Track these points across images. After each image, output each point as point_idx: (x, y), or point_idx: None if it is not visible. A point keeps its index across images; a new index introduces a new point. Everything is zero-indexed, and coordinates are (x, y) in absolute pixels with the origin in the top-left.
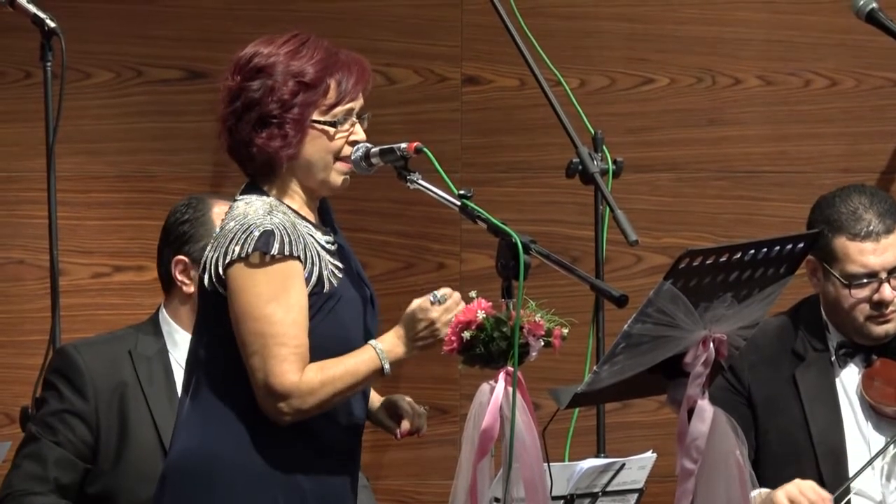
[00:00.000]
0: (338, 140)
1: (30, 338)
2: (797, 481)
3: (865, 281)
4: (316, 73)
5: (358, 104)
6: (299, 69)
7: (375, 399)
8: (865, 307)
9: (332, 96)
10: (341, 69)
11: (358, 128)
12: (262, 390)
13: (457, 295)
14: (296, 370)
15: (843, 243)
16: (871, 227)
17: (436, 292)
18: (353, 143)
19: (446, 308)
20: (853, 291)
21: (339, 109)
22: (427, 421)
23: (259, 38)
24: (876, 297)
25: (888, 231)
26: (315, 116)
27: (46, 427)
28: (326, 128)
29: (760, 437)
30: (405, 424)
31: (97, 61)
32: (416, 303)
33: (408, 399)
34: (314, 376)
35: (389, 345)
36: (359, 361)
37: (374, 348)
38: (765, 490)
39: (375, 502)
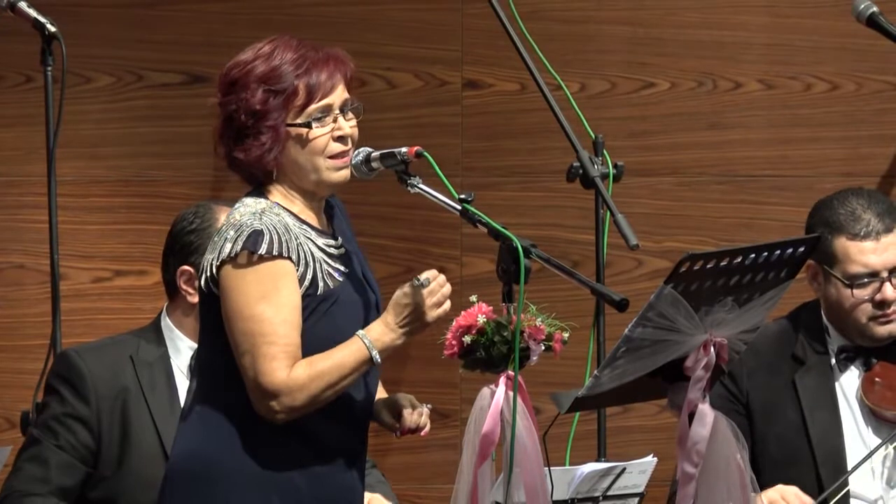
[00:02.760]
0: (319, 139)
1: (30, 342)
2: (780, 487)
3: (867, 280)
4: (283, 77)
5: (337, 98)
6: (266, 75)
7: (377, 398)
8: (868, 307)
9: (301, 97)
10: (310, 68)
11: (342, 122)
12: (253, 390)
13: (441, 277)
14: (284, 367)
15: (843, 244)
16: (871, 227)
17: (419, 276)
18: (340, 139)
19: (430, 291)
20: (855, 292)
21: (312, 108)
22: (428, 425)
23: (248, 46)
24: (878, 296)
25: (888, 230)
26: (289, 120)
27: (48, 430)
28: (301, 130)
29: (758, 444)
30: (405, 422)
31: (98, 65)
32: (401, 289)
33: (409, 397)
34: (302, 372)
35: (377, 333)
36: (346, 353)
37: (362, 339)
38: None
39: (393, 495)
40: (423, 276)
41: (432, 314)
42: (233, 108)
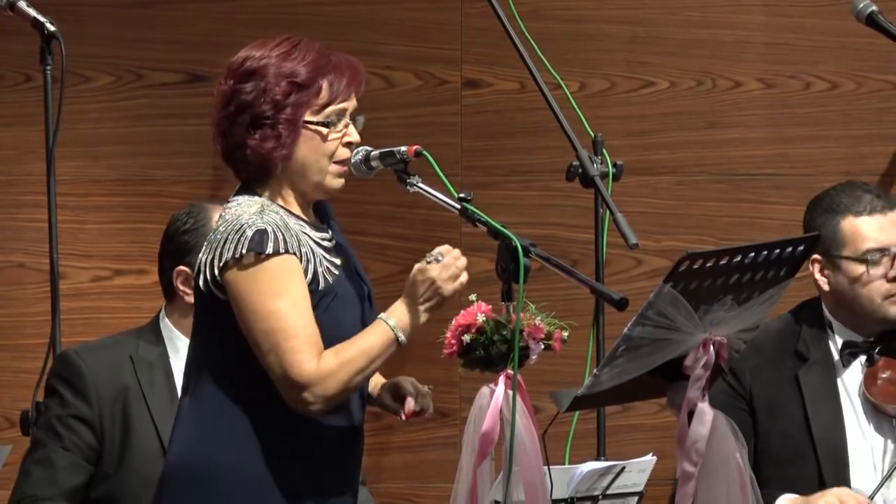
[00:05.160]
0: (331, 141)
1: (30, 341)
2: (834, 490)
3: (879, 256)
4: (308, 74)
5: (351, 105)
6: (291, 70)
7: (378, 383)
8: (882, 286)
9: (324, 96)
10: (333, 70)
11: (352, 129)
12: (283, 385)
13: (456, 251)
14: (311, 358)
15: (850, 223)
16: (875, 203)
17: (432, 252)
18: (348, 145)
19: (444, 265)
20: (870, 270)
21: (331, 109)
22: (427, 424)
23: (251, 43)
24: (892, 273)
25: (891, 207)
26: (307, 117)
27: (52, 433)
28: (319, 128)
29: (761, 441)
30: (409, 404)
31: (97, 65)
32: (416, 266)
33: (410, 379)
34: (331, 361)
35: (399, 314)
36: (372, 338)
37: (385, 321)
38: (792, 496)
39: None
40: (436, 251)
41: (449, 287)
42: (250, 97)
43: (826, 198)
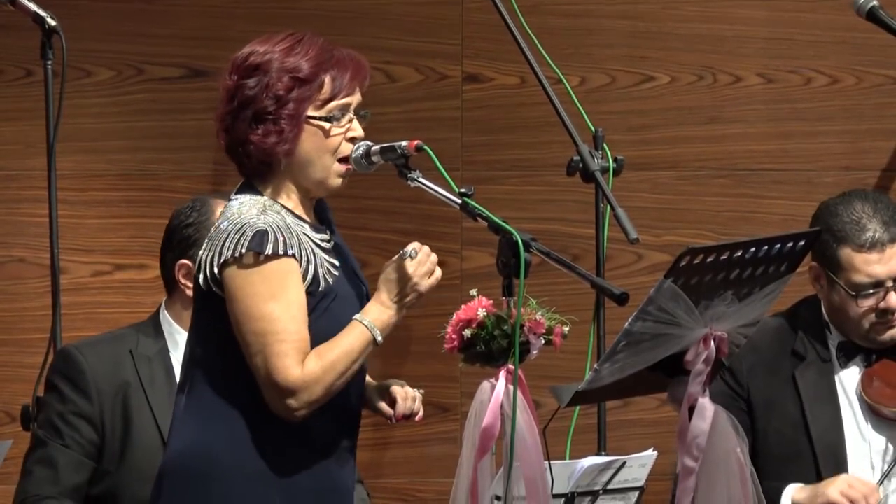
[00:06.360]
0: (335, 136)
1: (30, 336)
2: (844, 476)
3: (871, 291)
4: (310, 69)
5: (355, 100)
6: (294, 65)
7: (369, 385)
8: (872, 316)
9: (326, 91)
10: (336, 65)
11: (356, 124)
12: (268, 390)
13: (426, 248)
14: (297, 364)
15: (848, 254)
16: (877, 237)
17: (405, 249)
18: (352, 140)
19: (419, 261)
20: (860, 301)
21: (333, 104)
22: (428, 419)
23: (256, 38)
24: (882, 305)
25: (893, 239)
26: (310, 112)
27: (53, 430)
28: (322, 123)
29: (759, 440)
30: (399, 408)
31: (98, 59)
32: (388, 264)
33: (401, 382)
34: (315, 365)
35: (375, 314)
36: (351, 339)
37: (361, 321)
38: (800, 485)
39: None
40: (409, 248)
41: (425, 283)
42: (253, 93)
43: (831, 216)
